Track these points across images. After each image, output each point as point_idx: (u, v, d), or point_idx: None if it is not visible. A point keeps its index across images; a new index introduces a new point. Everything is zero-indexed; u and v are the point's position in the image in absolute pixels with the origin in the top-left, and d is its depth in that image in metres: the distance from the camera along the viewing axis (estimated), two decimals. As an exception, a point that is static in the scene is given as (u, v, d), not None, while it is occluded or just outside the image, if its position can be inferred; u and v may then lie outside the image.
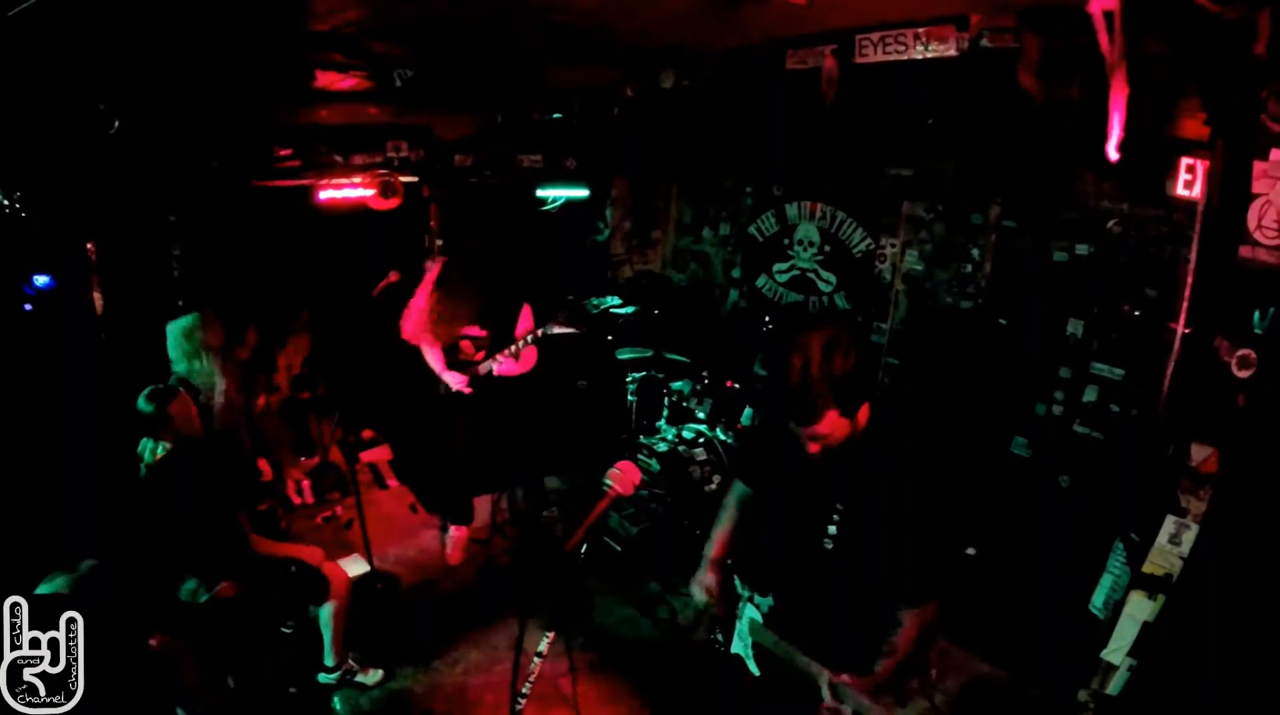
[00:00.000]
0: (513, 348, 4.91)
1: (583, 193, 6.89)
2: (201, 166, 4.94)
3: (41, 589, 3.25)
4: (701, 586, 2.78)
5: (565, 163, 6.64)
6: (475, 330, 5.03)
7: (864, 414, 2.33)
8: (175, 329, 4.08)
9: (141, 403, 3.67)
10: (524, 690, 2.50)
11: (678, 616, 4.77)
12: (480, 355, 4.98)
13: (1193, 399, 2.86)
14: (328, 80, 4.21)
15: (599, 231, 7.70)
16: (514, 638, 2.51)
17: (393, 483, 6.48)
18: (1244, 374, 2.68)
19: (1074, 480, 4.62)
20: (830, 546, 2.43)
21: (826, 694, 2.31)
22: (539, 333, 4.85)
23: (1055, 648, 3.73)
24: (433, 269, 5.09)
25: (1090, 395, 4.56)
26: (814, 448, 2.31)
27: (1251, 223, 2.70)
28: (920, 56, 3.39)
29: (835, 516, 2.42)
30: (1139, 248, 4.28)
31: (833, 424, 2.23)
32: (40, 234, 4.64)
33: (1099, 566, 3.45)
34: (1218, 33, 2.58)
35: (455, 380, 5.01)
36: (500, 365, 4.96)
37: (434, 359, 5.08)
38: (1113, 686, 3.01)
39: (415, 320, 5.00)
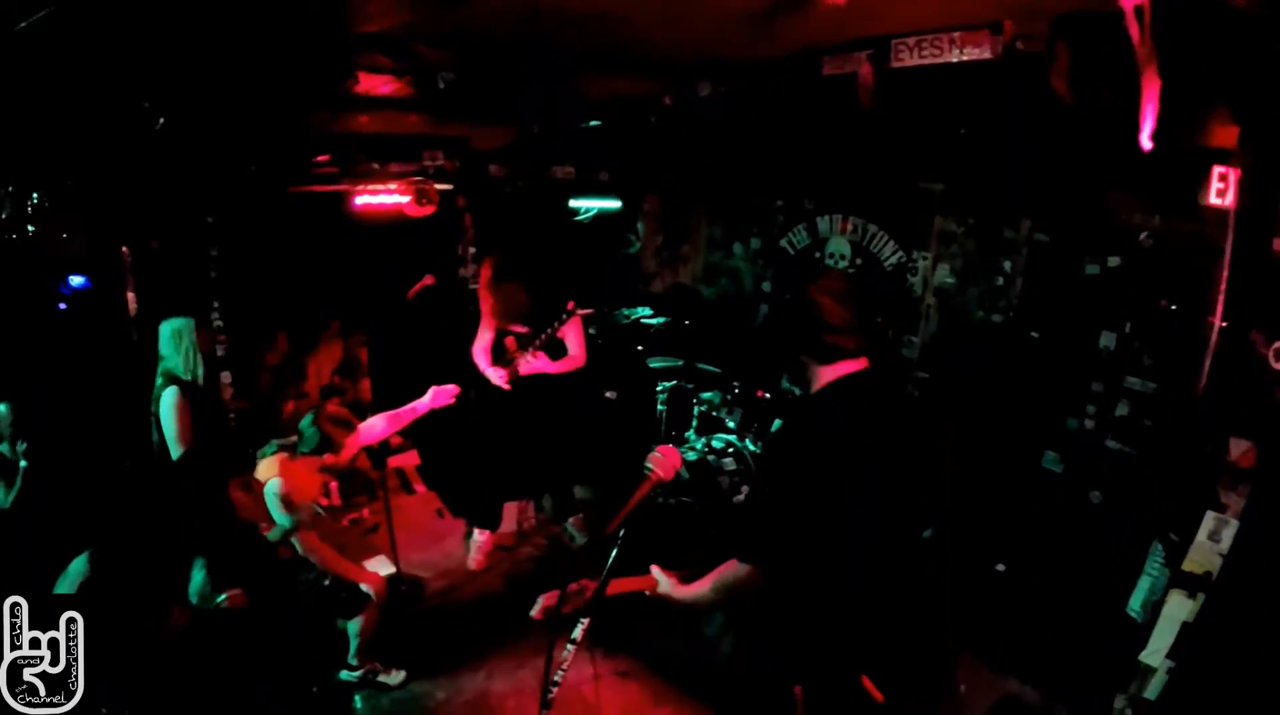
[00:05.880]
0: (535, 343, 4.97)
1: (615, 205, 6.96)
2: (240, 170, 5.05)
3: (60, 586, 3.24)
4: None
5: (598, 175, 6.72)
6: (520, 327, 5.08)
7: None
8: (169, 328, 4.24)
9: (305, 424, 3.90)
10: (556, 677, 2.45)
11: (703, 629, 4.72)
12: (521, 354, 5.02)
13: (1230, 393, 2.83)
14: (369, 85, 4.30)
15: (630, 244, 7.75)
16: (537, 645, 2.44)
17: (420, 488, 6.51)
18: (1282, 367, 2.66)
19: (1105, 496, 4.56)
20: None
21: None
22: (553, 328, 4.93)
23: (1084, 665, 3.67)
24: (487, 263, 5.27)
25: (1122, 409, 4.50)
26: None
27: (1286, 216, 2.70)
28: (956, 60, 3.41)
29: None
30: (1171, 260, 4.24)
31: None
32: (79, 233, 4.74)
33: (1130, 582, 3.40)
34: (1241, 29, 2.60)
35: (496, 375, 5.04)
36: (528, 363, 4.99)
37: (482, 352, 5.13)
38: (1151, 691, 2.95)
39: (482, 306, 5.23)
